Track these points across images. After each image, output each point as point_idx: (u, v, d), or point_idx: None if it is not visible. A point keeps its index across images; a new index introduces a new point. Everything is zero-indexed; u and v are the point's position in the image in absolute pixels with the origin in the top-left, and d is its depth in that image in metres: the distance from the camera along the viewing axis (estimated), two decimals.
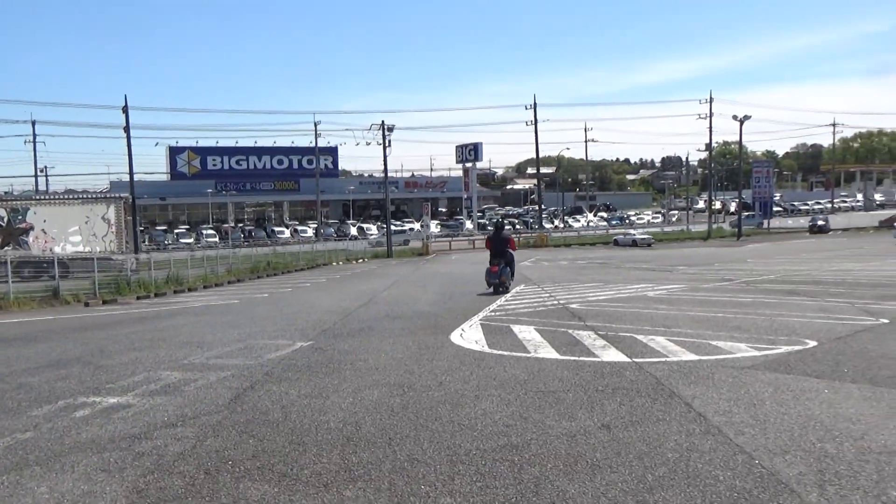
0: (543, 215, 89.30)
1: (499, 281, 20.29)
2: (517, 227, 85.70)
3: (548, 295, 19.02)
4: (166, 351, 11.67)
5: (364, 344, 11.63)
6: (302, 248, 53.16)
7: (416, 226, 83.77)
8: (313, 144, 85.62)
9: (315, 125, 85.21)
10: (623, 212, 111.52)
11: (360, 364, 9.90)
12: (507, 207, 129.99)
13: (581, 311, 15.04)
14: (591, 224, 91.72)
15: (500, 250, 20.84)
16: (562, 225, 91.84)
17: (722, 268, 28.49)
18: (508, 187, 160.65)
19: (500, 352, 10.39)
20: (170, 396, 8.37)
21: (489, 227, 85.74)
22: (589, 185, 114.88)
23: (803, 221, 76.85)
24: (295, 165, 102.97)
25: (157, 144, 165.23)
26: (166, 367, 10.19)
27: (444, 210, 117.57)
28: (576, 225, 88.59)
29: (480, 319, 14.16)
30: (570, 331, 12.09)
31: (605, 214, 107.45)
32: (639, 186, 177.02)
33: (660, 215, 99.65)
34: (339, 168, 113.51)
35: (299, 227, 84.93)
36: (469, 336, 12.02)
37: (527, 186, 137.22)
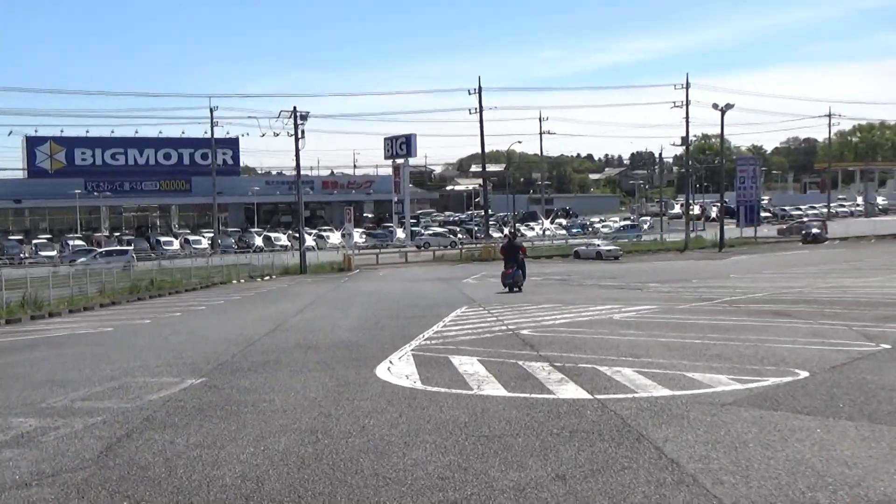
0: (491, 222, 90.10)
1: (513, 281, 29.18)
2: (459, 236, 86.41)
3: (494, 319, 19.18)
4: (19, 392, 11.34)
5: (269, 381, 11.55)
6: (195, 263, 52.45)
7: (336, 235, 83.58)
8: (209, 135, 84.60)
9: (211, 111, 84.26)
10: (585, 218, 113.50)
11: (264, 405, 9.82)
12: (447, 212, 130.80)
13: (534, 338, 15.21)
14: (547, 233, 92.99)
15: (513, 256, 29.71)
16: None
17: (701, 285, 29.17)
18: (449, 188, 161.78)
19: (436, 388, 10.43)
20: (23, 449, 8.14)
21: (424, 235, 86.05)
22: (545, 185, 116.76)
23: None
24: (186, 161, 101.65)
25: (10, 133, 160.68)
26: (19, 412, 9.91)
27: (370, 216, 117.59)
28: (529, 234, 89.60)
29: (413, 349, 14.18)
30: (521, 362, 12.21)
31: (564, 221, 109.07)
32: (604, 188, 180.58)
33: (629, 222, 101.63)
34: (241, 164, 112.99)
35: (191, 237, 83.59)
36: (399, 370, 12.03)
37: (470, 187, 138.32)
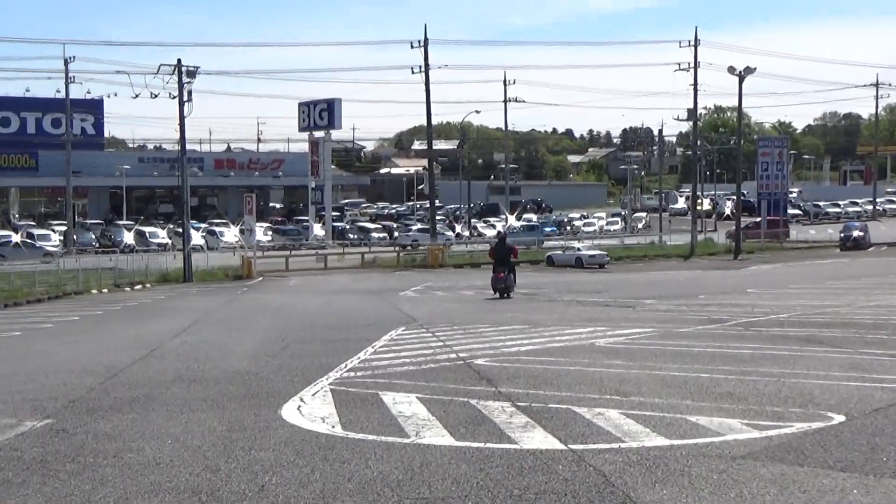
0: (439, 217, 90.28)
1: (504, 286, 33.89)
2: (395, 235, 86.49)
3: (441, 344, 19.21)
4: None
5: (138, 424, 11.44)
6: (40, 267, 51.59)
7: (233, 231, 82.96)
8: (62, 95, 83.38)
9: (66, 63, 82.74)
10: (563, 213, 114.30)
11: (129, 457, 9.71)
12: (381, 204, 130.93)
13: (492, 369, 15.28)
14: (513, 231, 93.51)
15: (504, 259, 34.68)
16: (467, 233, 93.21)
17: (710, 302, 29.52)
18: (384, 172, 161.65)
19: (360, 435, 10.42)
20: None
21: (350, 235, 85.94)
22: (510, 170, 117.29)
23: (832, 231, 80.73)
24: (30, 128, 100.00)
25: None
26: None
27: (278, 206, 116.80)
28: (489, 233, 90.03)
29: (331, 383, 14.16)
30: (475, 401, 12.25)
31: (534, 217, 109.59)
32: (587, 174, 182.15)
33: (618, 219, 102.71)
34: (107, 135, 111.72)
35: (37, 231, 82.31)
36: (312, 410, 12.01)
37: (412, 171, 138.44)
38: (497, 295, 33.78)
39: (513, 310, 28.31)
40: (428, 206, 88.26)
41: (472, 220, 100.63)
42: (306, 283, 49.59)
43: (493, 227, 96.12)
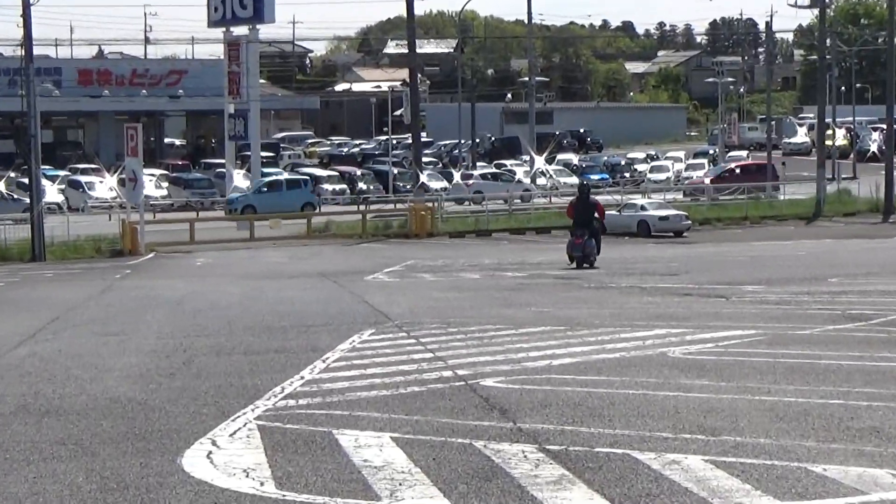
0: (427, 159, 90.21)
1: (582, 254, 39.03)
2: (365, 187, 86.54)
3: (429, 355, 19.23)
4: None
5: None
6: None
7: (108, 182, 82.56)
8: None
9: None
10: (618, 152, 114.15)
11: None
12: (338, 139, 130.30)
13: (508, 394, 15.32)
14: (542, 183, 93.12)
15: (586, 220, 39.70)
16: (469, 183, 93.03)
17: (846, 289, 29.54)
18: (342, 88, 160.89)
19: (305, 497, 10.46)
20: None
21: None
22: (536, 84, 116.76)
23: None
24: None
25: None
26: None
27: (178, 143, 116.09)
28: (504, 189, 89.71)
29: (261, 416, 14.17)
30: (480, 443, 12.22)
31: (573, 158, 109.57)
32: (656, 91, 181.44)
33: (705, 161, 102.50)
34: None
35: None
36: (231, 458, 12.04)
37: (385, 88, 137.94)
38: (574, 265, 39.16)
39: (541, 301, 28.35)
40: (410, 141, 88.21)
41: (480, 164, 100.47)
42: (222, 263, 49.60)
43: (511, 172, 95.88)
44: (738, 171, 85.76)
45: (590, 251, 39.02)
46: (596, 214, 40.64)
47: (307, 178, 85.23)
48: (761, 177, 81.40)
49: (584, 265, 38.73)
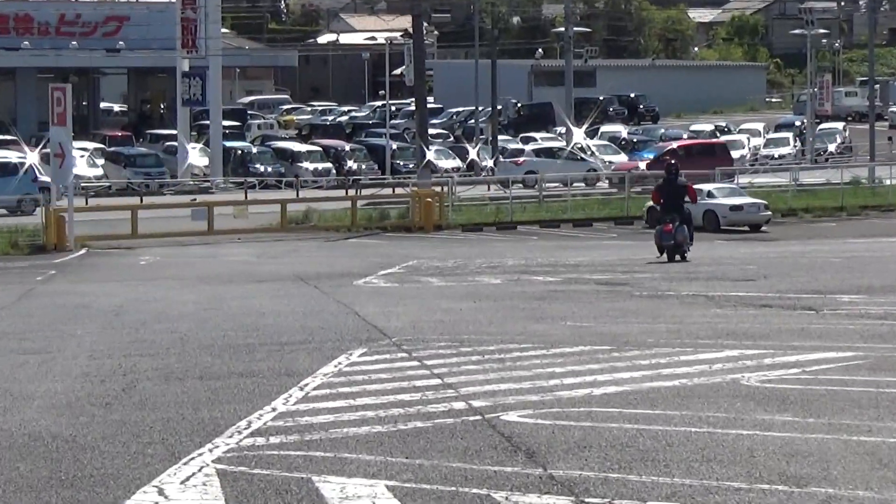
0: (435, 129, 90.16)
1: (674, 243, 42.50)
2: (356, 166, 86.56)
3: (436, 381, 19.23)
4: None
5: None
6: None
7: (30, 158, 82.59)
8: None
9: None
10: (679, 125, 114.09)
11: None
12: (320, 104, 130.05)
13: (536, 431, 15.30)
14: (582, 159, 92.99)
15: (677, 204, 43.92)
16: (488, 160, 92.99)
17: None
18: (326, 40, 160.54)
19: None
20: None
21: (260, 167, 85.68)
22: (572, 36, 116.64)
23: None
24: None
25: None
26: None
27: (117, 108, 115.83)
28: (568, 169, 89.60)
29: (221, 458, 14.15)
30: (501, 495, 12.16)
31: (622, 131, 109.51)
32: (726, 46, 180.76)
33: (789, 135, 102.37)
34: None
35: None
36: None
37: (381, 40, 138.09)
38: (663, 257, 42.93)
39: (580, 314, 28.34)
40: (413, 108, 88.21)
41: (502, 137, 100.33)
42: (173, 262, 49.67)
43: (542, 151, 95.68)
44: (682, 153, 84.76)
45: (682, 239, 42.62)
46: (687, 197, 45.02)
47: (24, 161, 77.65)
48: (708, 161, 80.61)
49: (676, 257, 42.44)
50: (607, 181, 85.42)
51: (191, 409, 17.34)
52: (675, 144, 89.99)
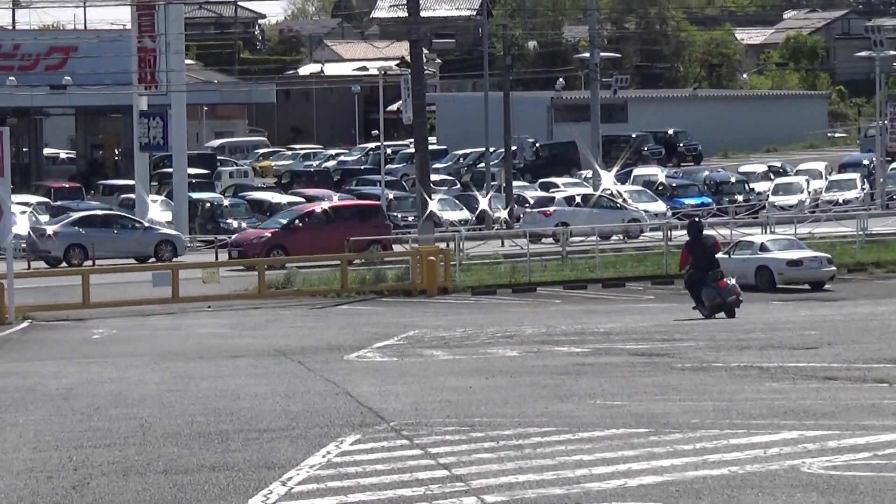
0: (439, 176, 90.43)
1: (735, 297, 47.91)
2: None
3: (442, 472, 19.15)
4: None
5: None
6: None
7: None
8: None
9: None
10: (726, 165, 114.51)
11: None
12: (303, 147, 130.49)
13: None
14: (622, 207, 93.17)
15: (712, 262, 48.43)
16: (502, 211, 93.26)
17: None
18: (309, 71, 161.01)
19: None
20: None
21: (233, 222, 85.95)
22: (598, 63, 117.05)
23: None
24: None
25: None
26: None
27: (62, 155, 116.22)
28: (607, 220, 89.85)
29: None
30: None
31: (659, 174, 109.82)
32: (781, 73, 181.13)
33: (856, 176, 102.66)
34: None
35: None
36: None
37: (373, 70, 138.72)
38: (709, 315, 47.67)
39: (612, 391, 28.37)
40: (412, 151, 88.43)
41: (517, 184, 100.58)
42: (131, 336, 49.81)
43: (571, 198, 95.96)
44: (328, 215, 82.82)
45: (739, 292, 46.44)
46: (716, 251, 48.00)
47: None
48: (359, 226, 79.67)
49: (731, 314, 46.30)
50: (651, 232, 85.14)
51: None
52: (318, 208, 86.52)
